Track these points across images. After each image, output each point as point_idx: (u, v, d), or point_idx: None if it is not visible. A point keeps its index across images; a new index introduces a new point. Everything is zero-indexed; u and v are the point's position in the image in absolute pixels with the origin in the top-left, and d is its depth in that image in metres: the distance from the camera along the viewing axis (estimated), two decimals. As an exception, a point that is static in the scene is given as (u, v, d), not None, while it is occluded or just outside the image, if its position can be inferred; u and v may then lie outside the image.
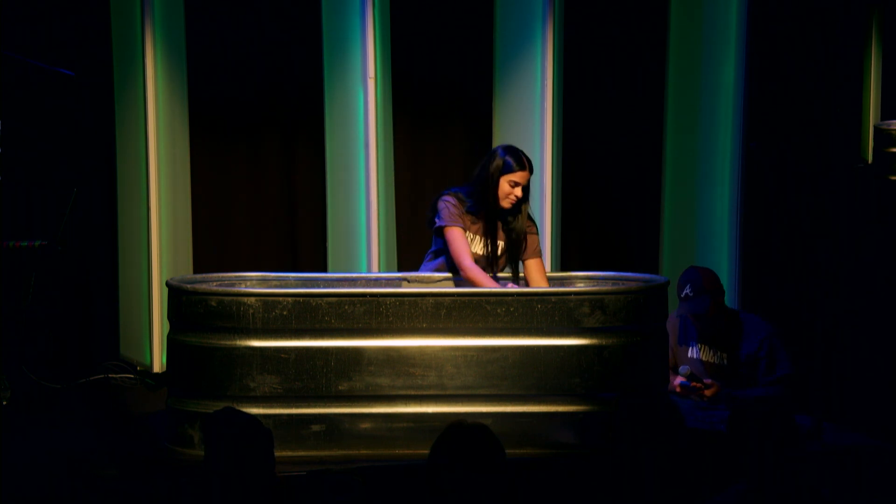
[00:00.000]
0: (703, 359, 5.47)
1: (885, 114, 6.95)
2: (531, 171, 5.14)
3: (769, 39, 6.74)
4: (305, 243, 6.88)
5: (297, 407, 4.68)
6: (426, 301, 4.69)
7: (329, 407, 4.68)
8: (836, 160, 6.82)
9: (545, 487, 4.60)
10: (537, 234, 5.28)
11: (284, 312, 4.65)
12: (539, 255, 5.25)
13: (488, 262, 5.16)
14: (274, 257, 6.80)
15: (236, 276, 5.21)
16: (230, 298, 4.67)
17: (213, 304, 4.67)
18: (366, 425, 4.69)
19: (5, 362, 5.76)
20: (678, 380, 5.40)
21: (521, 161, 5.11)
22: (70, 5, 6.51)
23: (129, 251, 6.59)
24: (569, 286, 5.16)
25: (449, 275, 5.17)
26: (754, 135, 6.63)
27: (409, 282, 5.19)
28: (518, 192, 5.11)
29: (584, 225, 7.11)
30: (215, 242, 6.84)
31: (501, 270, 5.23)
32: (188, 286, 4.76)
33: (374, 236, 6.41)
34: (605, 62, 6.98)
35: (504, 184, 5.11)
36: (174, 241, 6.50)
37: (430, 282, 5.17)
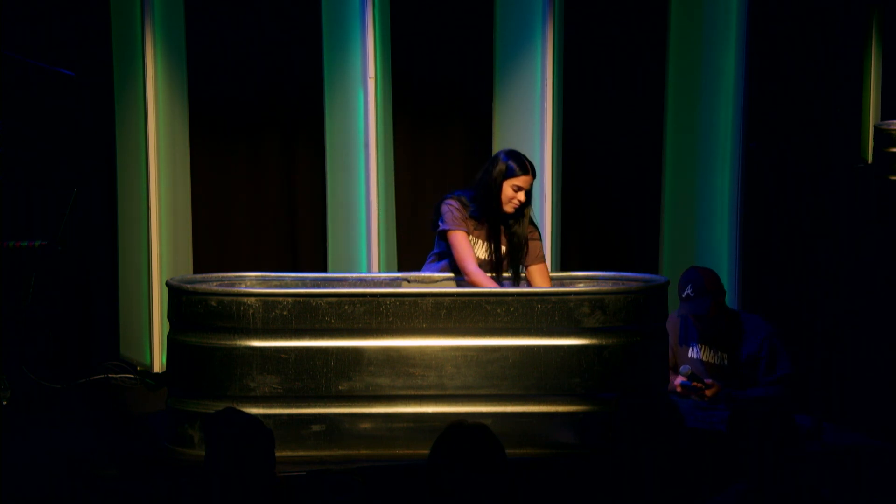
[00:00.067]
0: (704, 359, 5.47)
1: (885, 114, 6.96)
2: (534, 176, 5.15)
3: (769, 39, 6.73)
4: (305, 243, 6.87)
5: (297, 407, 4.67)
6: (426, 301, 4.68)
7: (329, 407, 4.68)
8: (836, 160, 6.82)
9: (545, 487, 4.60)
10: (540, 239, 5.28)
11: (284, 312, 4.65)
12: (542, 260, 5.24)
13: (492, 267, 5.16)
14: (274, 257, 6.80)
15: (236, 276, 5.20)
16: (230, 298, 4.66)
17: (213, 304, 4.67)
18: (366, 425, 4.69)
19: (5, 362, 5.76)
20: (679, 379, 5.40)
21: (524, 165, 5.11)
22: (70, 5, 6.50)
23: (129, 251, 6.58)
24: (569, 286, 5.16)
25: (450, 274, 5.17)
26: (754, 135, 6.63)
27: (409, 282, 5.19)
28: (521, 196, 5.11)
29: (584, 225, 7.11)
30: (215, 242, 6.84)
31: (506, 272, 5.23)
32: (188, 286, 4.75)
33: (374, 236, 6.40)
34: (605, 62, 6.98)
35: (507, 188, 5.11)
36: (174, 241, 6.49)
37: (431, 282, 5.17)
